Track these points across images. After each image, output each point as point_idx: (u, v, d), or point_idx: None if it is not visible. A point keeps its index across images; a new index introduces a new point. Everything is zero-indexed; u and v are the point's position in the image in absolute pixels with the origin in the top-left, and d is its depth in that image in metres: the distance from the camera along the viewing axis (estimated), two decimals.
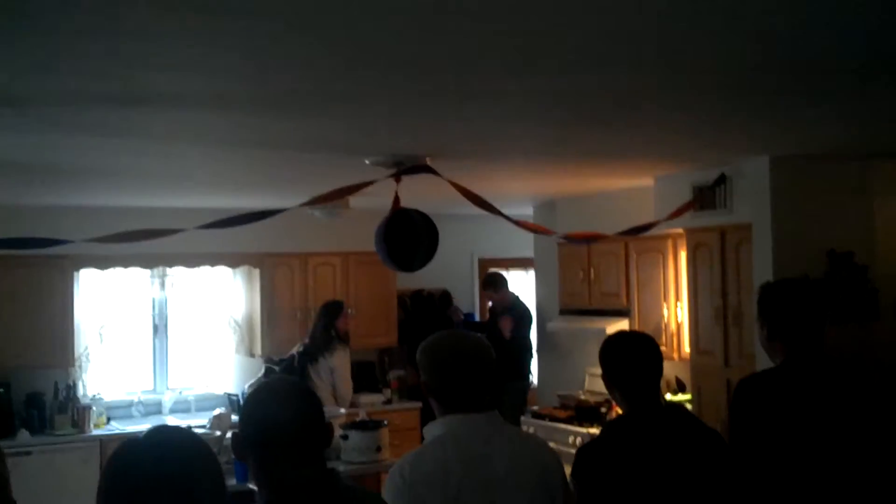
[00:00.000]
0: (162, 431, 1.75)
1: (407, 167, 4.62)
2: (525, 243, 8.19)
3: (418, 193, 5.28)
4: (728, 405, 5.13)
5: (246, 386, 7.22)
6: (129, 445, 1.69)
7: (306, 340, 7.21)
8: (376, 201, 5.09)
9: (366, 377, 8.21)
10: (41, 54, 2.64)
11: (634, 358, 2.81)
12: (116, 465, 1.65)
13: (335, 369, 7.01)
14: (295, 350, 7.19)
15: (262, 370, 7.27)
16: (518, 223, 5.03)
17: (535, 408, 7.29)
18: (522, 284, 9.56)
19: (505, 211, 4.92)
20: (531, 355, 7.75)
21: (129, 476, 1.63)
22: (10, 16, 2.27)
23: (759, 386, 3.09)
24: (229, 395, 7.71)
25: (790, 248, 5.02)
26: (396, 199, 4.78)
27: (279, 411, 2.02)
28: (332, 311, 7.19)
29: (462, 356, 2.51)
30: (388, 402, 8.10)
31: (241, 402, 6.59)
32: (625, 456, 2.68)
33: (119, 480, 1.63)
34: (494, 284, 7.72)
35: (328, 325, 7.10)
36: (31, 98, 3.20)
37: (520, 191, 7.13)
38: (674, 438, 2.71)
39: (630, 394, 2.79)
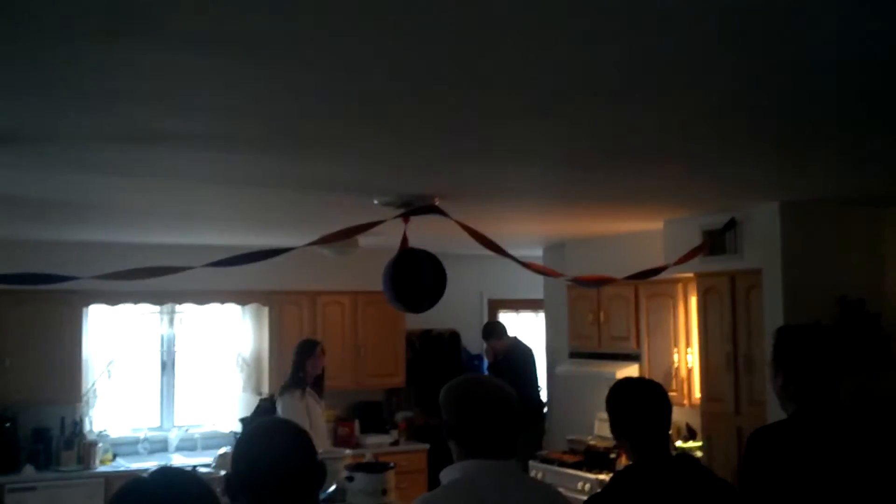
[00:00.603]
0: (166, 473, 1.75)
1: (415, 207, 4.62)
2: (535, 285, 8.17)
3: (428, 233, 5.28)
4: (740, 455, 5.08)
5: (238, 420, 7.09)
6: (133, 486, 1.69)
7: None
8: (386, 240, 5.10)
9: (373, 418, 8.16)
10: (46, 93, 2.66)
11: (643, 406, 2.75)
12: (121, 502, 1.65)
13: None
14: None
15: (256, 403, 7.16)
16: (526, 265, 5.01)
17: (545, 452, 7.21)
18: (532, 326, 9.52)
19: (514, 252, 4.91)
20: (538, 396, 7.64)
21: None
22: (14, 55, 2.30)
23: (772, 438, 3.02)
24: (236, 433, 7.66)
25: (801, 295, 4.99)
26: (404, 240, 4.78)
27: (269, 451, 2.03)
28: (302, 350, 6.40)
29: (487, 400, 2.47)
30: (396, 443, 8.03)
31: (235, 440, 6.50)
32: None
33: None
34: (494, 332, 7.61)
35: (298, 366, 6.29)
36: (37, 136, 3.23)
37: (529, 232, 7.13)
38: (684, 490, 2.65)
39: (638, 443, 2.73)
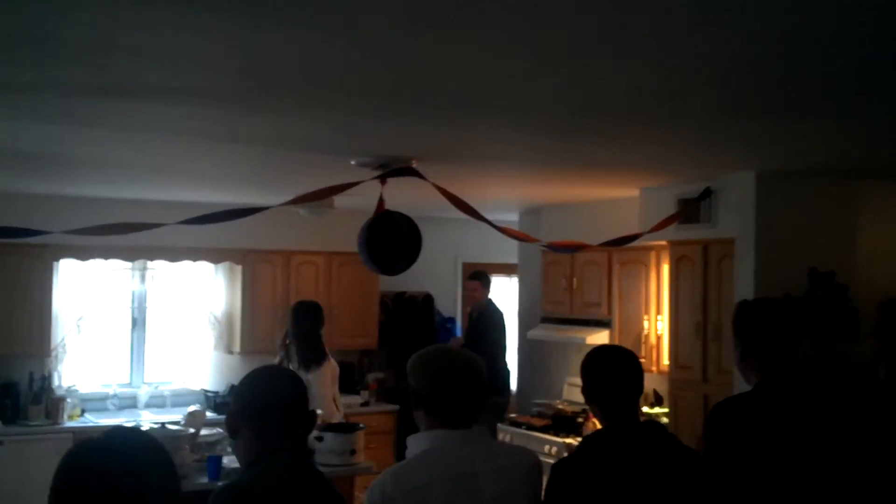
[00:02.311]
0: (119, 433, 1.73)
1: (392, 169, 4.60)
2: (509, 249, 8.19)
3: (404, 196, 5.26)
4: (705, 423, 5.16)
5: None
6: (84, 446, 1.67)
7: (287, 345, 6.25)
8: (362, 201, 5.07)
9: (344, 378, 8.17)
10: (18, 43, 2.61)
11: (615, 374, 2.79)
12: (69, 465, 1.64)
13: (328, 384, 6.01)
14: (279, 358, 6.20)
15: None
16: (502, 230, 5.02)
17: (513, 415, 7.27)
18: (505, 290, 9.55)
19: (490, 217, 4.91)
20: (506, 366, 7.54)
21: (79, 477, 1.61)
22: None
23: (733, 410, 3.08)
24: (206, 391, 7.66)
25: (772, 265, 5.04)
26: (381, 202, 4.76)
27: (271, 388, 2.28)
28: (318, 315, 6.11)
29: (456, 371, 2.52)
30: (366, 403, 8.06)
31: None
32: (600, 473, 2.67)
33: (70, 481, 1.62)
34: (483, 278, 7.59)
35: (317, 333, 6.01)
36: (17, 86, 3.17)
37: (506, 197, 7.13)
38: (650, 456, 2.69)
39: (609, 409, 2.78)
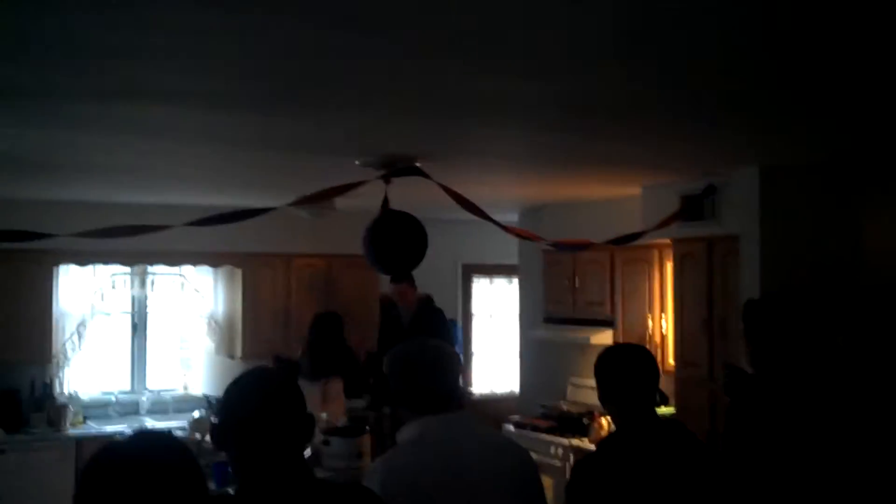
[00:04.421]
0: (145, 437, 1.72)
1: (398, 169, 4.58)
2: (509, 250, 8.17)
3: (402, 196, 5.24)
4: (713, 421, 5.14)
5: None
6: (111, 449, 1.65)
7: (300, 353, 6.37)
8: (362, 202, 5.05)
9: (347, 381, 8.13)
10: (25, 48, 2.60)
11: (632, 374, 2.75)
12: (95, 468, 1.61)
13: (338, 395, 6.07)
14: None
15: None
16: (507, 229, 5.00)
17: (517, 417, 7.25)
18: (506, 293, 9.55)
19: (491, 216, 4.89)
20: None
21: (106, 479, 1.59)
22: (4, 11, 2.24)
23: (746, 408, 3.07)
24: (207, 396, 7.62)
25: (778, 260, 5.02)
26: (385, 201, 4.74)
27: (256, 397, 2.01)
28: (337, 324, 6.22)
29: (428, 361, 2.57)
30: (370, 406, 8.01)
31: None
32: (621, 473, 2.64)
33: (96, 483, 1.59)
34: (409, 277, 6.64)
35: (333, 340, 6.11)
36: (23, 90, 3.15)
37: (506, 196, 7.11)
38: (671, 456, 2.67)
39: (626, 410, 2.74)
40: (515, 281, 8.64)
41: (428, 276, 8.34)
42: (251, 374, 2.13)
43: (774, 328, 3.12)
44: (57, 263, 6.99)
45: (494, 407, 8.44)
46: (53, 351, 7.01)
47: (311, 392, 5.81)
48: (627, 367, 2.80)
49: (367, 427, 5.89)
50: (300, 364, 6.19)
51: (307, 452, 5.15)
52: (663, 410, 6.12)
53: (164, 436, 1.80)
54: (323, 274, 8.05)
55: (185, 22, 2.35)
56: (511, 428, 6.97)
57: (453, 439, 2.49)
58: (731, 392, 3.57)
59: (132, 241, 4.55)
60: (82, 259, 7.05)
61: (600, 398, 2.85)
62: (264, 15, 2.29)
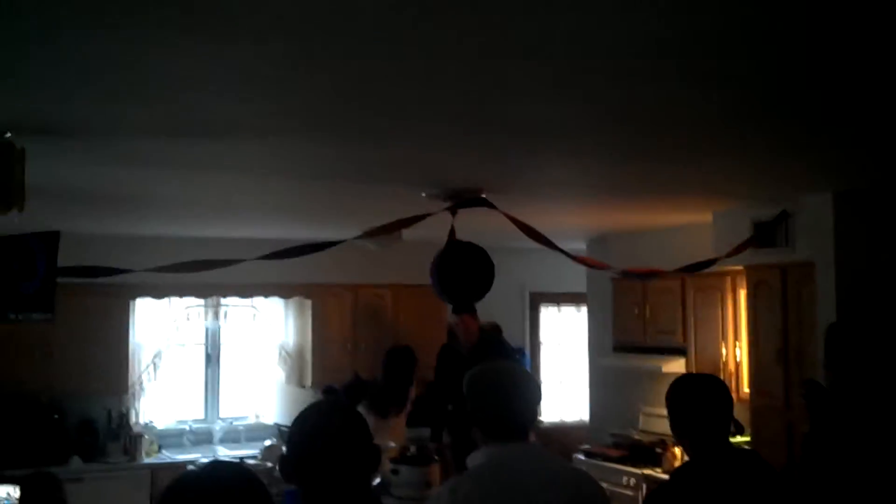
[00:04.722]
0: (218, 467, 1.74)
1: (464, 200, 4.59)
2: (577, 278, 8.10)
3: (470, 225, 5.25)
4: (789, 450, 5.01)
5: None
6: (185, 479, 1.68)
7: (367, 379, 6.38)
8: (427, 232, 5.07)
9: (415, 411, 8.14)
10: (91, 84, 2.67)
11: (705, 404, 2.70)
12: (170, 498, 1.64)
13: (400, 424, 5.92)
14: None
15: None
16: (576, 258, 4.97)
17: (587, 446, 7.16)
18: (574, 321, 9.47)
19: (557, 245, 4.87)
20: None
21: None
22: (71, 51, 2.31)
23: (821, 439, 2.98)
24: (279, 425, 7.69)
25: (853, 287, 4.89)
26: (452, 232, 4.75)
27: (324, 431, 2.03)
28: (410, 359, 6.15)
29: (507, 386, 2.53)
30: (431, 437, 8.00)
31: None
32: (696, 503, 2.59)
33: None
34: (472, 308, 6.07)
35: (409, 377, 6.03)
36: (92, 129, 3.25)
37: (573, 225, 7.07)
38: (746, 486, 2.61)
39: (700, 440, 2.69)
40: (584, 309, 8.56)
41: (495, 305, 8.32)
42: (317, 407, 2.16)
43: (858, 354, 3.02)
44: (133, 297, 7.16)
45: (564, 436, 8.34)
46: (129, 382, 7.17)
47: (378, 422, 5.90)
48: (700, 397, 2.75)
49: (436, 457, 5.88)
50: (368, 387, 6.19)
51: (376, 481, 5.19)
52: (739, 440, 6.01)
53: (237, 466, 1.82)
54: (389, 304, 8.09)
55: (254, 55, 2.39)
56: (581, 457, 6.89)
57: (521, 470, 2.45)
58: (813, 407, 3.47)
59: (206, 274, 4.63)
60: (158, 292, 7.22)
61: (673, 429, 2.80)
62: (332, 47, 2.32)
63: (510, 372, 2.61)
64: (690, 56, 2.47)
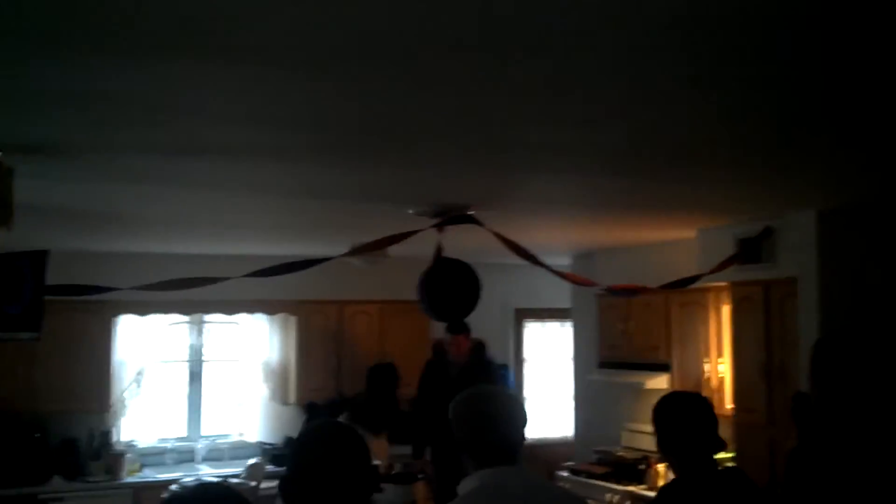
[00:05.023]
0: (206, 488, 1.74)
1: (451, 217, 4.60)
2: (561, 294, 8.13)
3: (455, 241, 5.27)
4: (772, 466, 5.04)
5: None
6: (173, 500, 1.67)
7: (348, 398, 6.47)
8: (413, 249, 5.08)
9: (399, 428, 8.12)
10: (85, 106, 2.67)
11: (690, 421, 2.73)
12: None
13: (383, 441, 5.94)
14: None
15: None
16: (561, 275, 4.98)
17: (572, 463, 7.16)
18: (558, 336, 9.48)
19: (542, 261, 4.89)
20: None
21: None
22: (61, 70, 2.31)
23: (809, 455, 3.00)
24: (263, 444, 7.66)
25: (837, 304, 4.94)
26: (439, 249, 4.76)
27: (325, 455, 2.06)
28: (392, 375, 6.23)
29: (494, 411, 2.51)
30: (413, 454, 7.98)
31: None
32: None
33: None
34: (466, 327, 6.49)
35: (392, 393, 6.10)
36: (73, 148, 3.24)
37: (558, 241, 7.10)
38: (731, 503, 2.63)
39: (686, 458, 2.71)
40: (568, 324, 8.59)
41: (479, 321, 8.32)
42: (318, 428, 2.21)
43: (845, 370, 3.04)
44: (116, 314, 7.12)
45: (548, 452, 8.34)
46: (111, 400, 7.11)
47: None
48: (686, 414, 2.78)
49: (420, 474, 5.88)
50: (350, 404, 6.17)
51: None
52: (722, 456, 6.03)
53: (224, 487, 1.83)
54: (375, 320, 8.08)
55: (249, 80, 2.41)
56: (566, 474, 6.88)
57: (514, 494, 2.44)
58: (800, 421, 3.48)
59: (190, 290, 4.61)
60: (141, 309, 7.18)
61: (659, 446, 2.82)
62: (324, 72, 2.33)
63: (496, 396, 2.60)
64: (677, 79, 2.50)
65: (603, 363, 7.29)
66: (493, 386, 2.77)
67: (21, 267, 3.75)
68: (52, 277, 3.99)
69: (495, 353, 8.96)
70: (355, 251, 4.67)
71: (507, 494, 2.43)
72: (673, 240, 6.51)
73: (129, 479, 6.88)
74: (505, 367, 9.02)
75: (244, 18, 1.93)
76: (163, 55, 2.17)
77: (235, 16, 1.91)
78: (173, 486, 5.84)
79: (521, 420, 2.54)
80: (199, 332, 7.76)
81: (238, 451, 7.63)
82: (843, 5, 1.95)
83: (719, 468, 2.83)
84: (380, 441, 5.95)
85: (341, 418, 5.94)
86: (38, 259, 3.79)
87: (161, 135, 3.07)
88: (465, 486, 2.48)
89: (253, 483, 5.67)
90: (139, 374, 7.35)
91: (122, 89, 2.49)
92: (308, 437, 2.14)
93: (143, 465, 7.17)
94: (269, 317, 7.90)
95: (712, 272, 5.28)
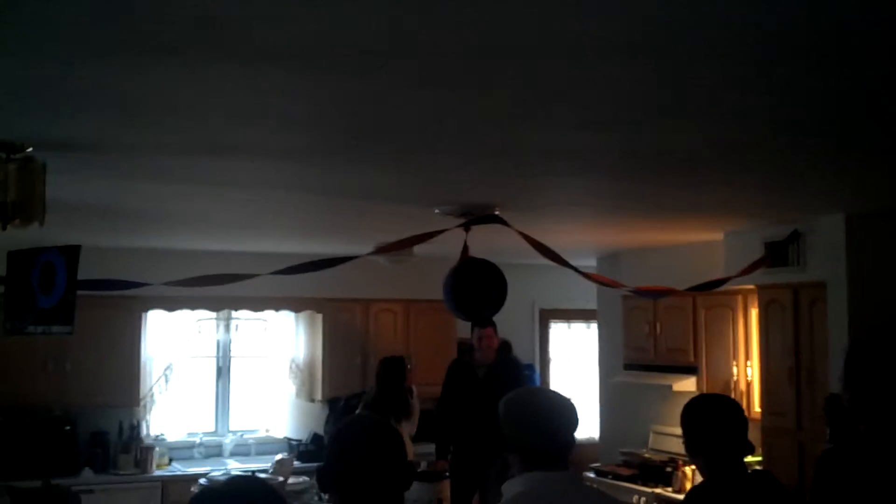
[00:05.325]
0: (239, 481, 1.76)
1: (477, 217, 4.61)
2: (587, 295, 8.11)
3: (481, 241, 5.28)
4: (801, 470, 5.00)
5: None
6: (206, 494, 1.70)
7: (365, 395, 6.61)
8: (439, 248, 5.10)
9: (423, 426, 8.15)
10: (114, 105, 2.71)
11: (720, 424, 2.71)
12: None
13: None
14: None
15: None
16: (587, 276, 4.98)
17: (598, 465, 7.15)
18: (584, 337, 9.46)
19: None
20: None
21: None
22: (93, 70, 2.35)
23: (842, 459, 2.97)
24: (289, 439, 7.71)
25: (866, 308, 4.89)
26: (465, 249, 4.78)
27: (361, 448, 2.09)
28: (402, 367, 6.38)
29: (548, 412, 2.46)
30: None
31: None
32: None
33: None
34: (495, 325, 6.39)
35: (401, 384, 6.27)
36: (104, 146, 3.29)
37: (584, 242, 7.08)
38: None
39: (715, 460, 2.70)
40: (594, 325, 8.56)
41: (505, 321, 8.34)
42: (359, 421, 2.31)
43: (880, 373, 3.00)
44: (145, 309, 7.19)
45: (573, 453, 8.31)
46: (141, 394, 7.19)
47: None
48: (716, 417, 2.76)
49: (447, 472, 5.90)
50: (363, 397, 6.31)
51: None
52: (750, 459, 5.99)
53: (257, 479, 1.86)
54: (401, 319, 8.11)
55: (274, 81, 2.43)
56: (592, 475, 6.87)
57: (560, 498, 2.40)
58: (833, 423, 3.46)
59: (218, 287, 4.67)
60: (170, 305, 7.25)
61: (687, 449, 2.81)
62: (349, 74, 2.36)
63: (550, 397, 2.54)
64: (707, 83, 2.49)
65: (629, 365, 7.26)
66: (545, 386, 2.74)
67: (53, 261, 3.81)
68: (82, 273, 4.04)
69: (521, 353, 8.98)
70: (381, 250, 4.69)
71: (555, 500, 2.38)
72: (699, 242, 6.47)
73: (158, 473, 6.95)
74: (530, 367, 9.02)
75: (275, 19, 1.96)
76: (199, 56, 2.20)
77: (269, 16, 1.94)
78: (202, 480, 5.91)
79: (574, 423, 2.47)
80: (227, 329, 7.82)
81: (265, 446, 7.69)
82: (874, 14, 1.95)
83: (748, 471, 2.82)
84: (403, 434, 6.00)
85: (357, 411, 6.04)
86: (71, 253, 3.84)
87: (190, 134, 3.11)
88: (511, 488, 2.44)
89: (280, 478, 5.71)
90: (168, 369, 7.43)
91: (156, 90, 2.53)
92: (349, 429, 2.18)
93: (171, 459, 7.25)
94: (295, 314, 7.95)
95: (740, 275, 5.25)
